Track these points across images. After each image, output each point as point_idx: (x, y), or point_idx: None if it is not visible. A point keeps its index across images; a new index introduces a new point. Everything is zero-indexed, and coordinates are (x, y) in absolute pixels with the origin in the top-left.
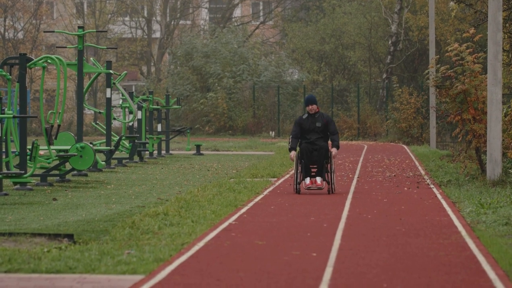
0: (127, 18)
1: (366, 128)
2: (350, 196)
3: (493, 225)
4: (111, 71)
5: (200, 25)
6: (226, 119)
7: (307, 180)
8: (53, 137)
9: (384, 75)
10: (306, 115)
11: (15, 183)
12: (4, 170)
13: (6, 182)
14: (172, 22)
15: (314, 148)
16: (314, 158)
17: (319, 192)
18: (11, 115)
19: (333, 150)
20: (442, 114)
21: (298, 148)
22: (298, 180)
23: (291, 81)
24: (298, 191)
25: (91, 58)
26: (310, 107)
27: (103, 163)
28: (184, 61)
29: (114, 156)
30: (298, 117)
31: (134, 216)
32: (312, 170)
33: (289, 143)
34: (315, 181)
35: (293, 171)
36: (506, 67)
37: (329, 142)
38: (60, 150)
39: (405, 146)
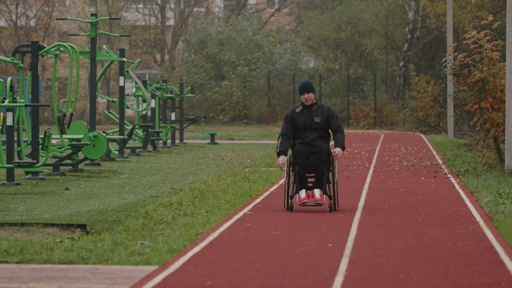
0: (140, 5)
1: (382, 117)
2: (366, 185)
3: None
4: (124, 59)
5: (214, 13)
6: (240, 107)
7: (302, 193)
8: (66, 126)
9: (401, 63)
10: (300, 107)
11: (27, 173)
12: (16, 160)
13: (18, 171)
14: (186, 9)
15: (311, 150)
16: (311, 164)
17: (318, 209)
18: (23, 104)
19: (336, 150)
20: (460, 103)
21: (290, 152)
22: (290, 193)
23: (306, 69)
24: (289, 208)
25: (104, 46)
26: (305, 96)
27: (116, 152)
28: (198, 49)
29: (127, 145)
30: (289, 110)
31: (148, 206)
32: (309, 180)
33: (278, 145)
34: (313, 195)
35: (283, 180)
36: None
37: (331, 143)
38: (72, 139)
39: (422, 135)
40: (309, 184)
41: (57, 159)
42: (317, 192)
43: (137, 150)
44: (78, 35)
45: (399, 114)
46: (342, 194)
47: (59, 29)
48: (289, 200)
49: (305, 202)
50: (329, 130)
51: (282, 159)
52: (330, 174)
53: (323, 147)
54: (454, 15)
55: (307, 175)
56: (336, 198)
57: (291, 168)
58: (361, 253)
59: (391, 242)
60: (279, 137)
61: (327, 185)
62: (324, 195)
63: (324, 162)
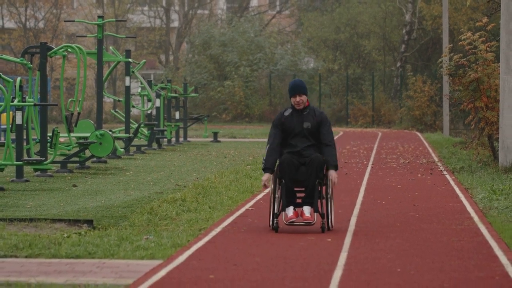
0: (146, 8)
1: (380, 116)
2: (364, 182)
3: (505, 211)
4: (130, 59)
5: (217, 15)
6: (243, 107)
7: (290, 210)
8: (73, 125)
9: (398, 64)
10: (289, 110)
11: (35, 170)
12: (25, 157)
13: (27, 169)
14: (190, 12)
15: (301, 161)
16: (301, 176)
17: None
18: (32, 103)
19: (332, 175)
20: (455, 102)
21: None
22: (276, 210)
23: (307, 70)
24: (275, 228)
25: (111, 47)
26: (297, 98)
27: (122, 150)
28: (201, 50)
29: (133, 143)
30: (278, 113)
31: (153, 202)
32: (298, 195)
33: (264, 158)
34: (302, 213)
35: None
36: None
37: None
38: (80, 138)
39: (418, 133)
40: (298, 200)
41: (65, 157)
42: (306, 209)
43: (142, 148)
44: (86, 36)
45: (396, 113)
46: (341, 191)
47: (67, 31)
48: (275, 219)
49: (292, 221)
50: (320, 140)
51: (267, 178)
52: (323, 188)
53: (314, 157)
54: (449, 17)
55: (295, 189)
56: (330, 217)
57: (277, 181)
58: (359, 248)
59: (388, 237)
60: (266, 147)
61: (319, 201)
62: (316, 213)
63: (315, 175)
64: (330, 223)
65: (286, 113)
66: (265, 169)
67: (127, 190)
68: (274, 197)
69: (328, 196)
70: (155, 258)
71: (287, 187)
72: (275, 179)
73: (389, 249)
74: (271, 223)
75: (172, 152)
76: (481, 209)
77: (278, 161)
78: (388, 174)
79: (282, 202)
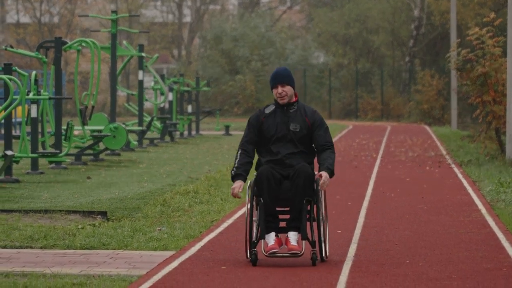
0: (158, 3)
1: (389, 110)
2: (374, 175)
3: None
4: (143, 54)
5: (229, 10)
6: (254, 100)
7: (271, 238)
8: (87, 118)
9: (407, 58)
10: (272, 107)
11: (50, 162)
12: (40, 150)
13: (42, 161)
14: (202, 7)
15: (284, 173)
16: (284, 194)
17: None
18: (47, 97)
19: (322, 175)
20: (463, 96)
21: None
22: (254, 238)
23: (317, 64)
24: (253, 260)
25: (124, 42)
26: (279, 89)
27: (135, 143)
28: (213, 44)
29: (146, 136)
30: (256, 111)
31: (165, 194)
32: (281, 217)
33: (235, 163)
34: (287, 241)
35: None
36: None
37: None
38: (94, 130)
39: (427, 127)
40: (282, 224)
41: (79, 149)
42: (292, 236)
43: (155, 141)
44: (99, 31)
45: (405, 107)
46: (350, 183)
47: (81, 26)
48: (252, 249)
49: (274, 252)
50: (315, 144)
51: (238, 185)
52: (315, 208)
53: (301, 169)
54: (457, 13)
55: (278, 209)
56: (324, 244)
57: (254, 199)
58: (368, 239)
59: (397, 229)
60: (237, 151)
61: (308, 224)
62: (304, 241)
63: (303, 191)
64: (324, 252)
65: (267, 111)
66: (235, 176)
67: (141, 182)
68: (251, 221)
69: (321, 217)
70: (168, 249)
71: (267, 208)
72: (252, 197)
73: (398, 240)
74: (247, 252)
75: (184, 145)
76: (488, 201)
77: (255, 174)
78: (397, 167)
79: (261, 227)
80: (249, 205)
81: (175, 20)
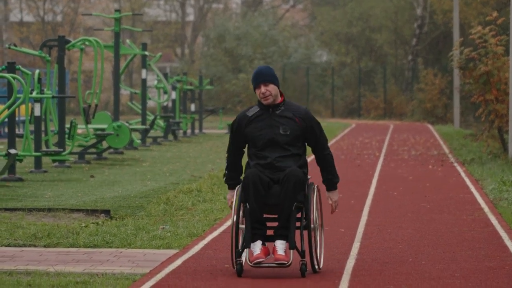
0: (162, 2)
1: (392, 108)
2: (376, 173)
3: None
4: (146, 52)
5: (232, 9)
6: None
7: (257, 247)
8: (91, 117)
9: (410, 57)
10: (255, 109)
11: (54, 161)
12: (44, 148)
13: (46, 159)
14: (205, 6)
15: (274, 177)
16: (272, 199)
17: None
18: (50, 95)
19: (332, 199)
20: (465, 95)
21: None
22: (239, 247)
23: (319, 63)
24: (238, 270)
25: (127, 40)
26: (262, 89)
27: (139, 141)
28: (216, 43)
29: (149, 135)
30: (239, 113)
31: (169, 193)
32: (269, 224)
33: (225, 171)
34: (274, 250)
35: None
36: None
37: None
38: (97, 129)
39: (429, 126)
40: (269, 232)
41: (82, 148)
42: (280, 245)
43: (158, 140)
44: (103, 30)
45: (407, 106)
46: (353, 182)
47: (84, 24)
48: (237, 258)
49: (259, 262)
50: (307, 146)
51: (231, 195)
52: (309, 214)
53: (291, 172)
54: (460, 11)
55: (265, 216)
56: (316, 255)
57: (240, 205)
58: (371, 238)
59: (400, 227)
60: (226, 158)
61: (298, 233)
62: (292, 250)
63: (292, 197)
64: (316, 262)
65: (251, 114)
66: (229, 185)
67: (144, 181)
68: (237, 228)
69: (315, 225)
70: (171, 247)
71: (254, 214)
72: (238, 203)
73: (401, 239)
74: (233, 263)
75: (187, 144)
76: (491, 200)
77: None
78: (399, 166)
79: (246, 235)
80: (235, 212)
81: (178, 19)
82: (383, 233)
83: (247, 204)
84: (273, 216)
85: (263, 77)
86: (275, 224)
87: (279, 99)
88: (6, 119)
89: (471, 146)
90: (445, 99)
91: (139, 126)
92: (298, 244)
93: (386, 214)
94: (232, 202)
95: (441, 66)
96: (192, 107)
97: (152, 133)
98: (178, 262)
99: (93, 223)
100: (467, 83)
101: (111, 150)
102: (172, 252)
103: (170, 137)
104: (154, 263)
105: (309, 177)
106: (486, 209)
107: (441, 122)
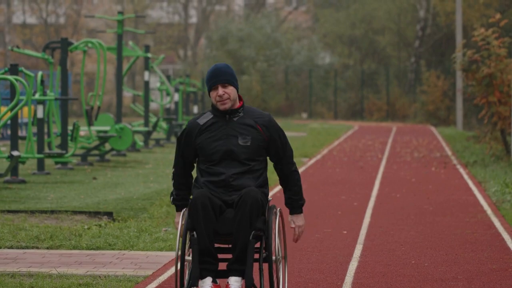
0: (164, 4)
1: (395, 110)
2: (379, 175)
3: None
4: (149, 54)
5: (235, 11)
6: (259, 101)
7: (206, 285)
8: (93, 118)
9: (413, 59)
10: (208, 115)
11: (56, 163)
12: (46, 150)
13: (48, 161)
14: (208, 8)
15: (227, 198)
16: (225, 226)
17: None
18: (53, 97)
19: (296, 224)
20: (468, 97)
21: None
22: (186, 283)
23: (322, 65)
24: None
25: (130, 42)
26: (219, 91)
27: (141, 143)
28: (219, 45)
29: (152, 137)
30: (189, 122)
31: None
32: (221, 256)
33: (173, 190)
34: (227, 287)
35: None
36: None
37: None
38: (100, 131)
39: (432, 128)
40: (222, 266)
41: (85, 150)
42: (234, 283)
43: (161, 142)
44: (106, 32)
45: (410, 108)
46: (356, 184)
47: (87, 26)
48: None
49: None
50: (269, 159)
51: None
52: (271, 243)
53: (247, 194)
54: (463, 13)
55: (217, 246)
56: None
57: (186, 232)
58: (374, 240)
59: (403, 230)
60: (172, 173)
61: (256, 266)
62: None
63: (249, 223)
64: None
65: (203, 121)
66: (177, 206)
67: (146, 183)
68: (183, 261)
69: (277, 257)
70: (173, 249)
71: (202, 245)
72: (185, 230)
73: (403, 241)
74: None
75: None
76: (494, 202)
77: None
78: (402, 168)
79: (193, 271)
80: (181, 240)
81: (181, 21)
82: (386, 235)
83: (195, 232)
84: (226, 246)
85: (221, 76)
86: (229, 256)
87: (238, 104)
88: (9, 121)
89: (474, 148)
90: (448, 101)
91: (142, 128)
92: (257, 281)
93: (388, 216)
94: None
95: (444, 68)
96: (195, 109)
97: (154, 135)
98: None
99: (95, 225)
100: (470, 85)
101: (114, 152)
102: (174, 254)
103: (173, 139)
104: (157, 265)
105: (269, 198)
106: (488, 211)
107: (444, 124)
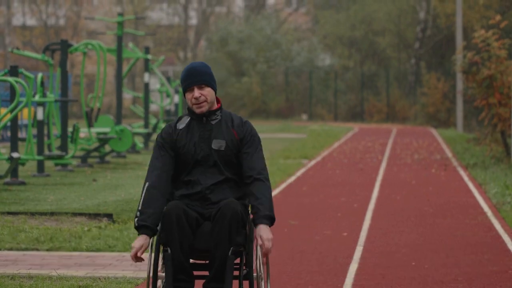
0: (164, 5)
1: (395, 112)
2: (379, 177)
3: None
4: (149, 56)
5: (235, 12)
6: (260, 103)
7: None
8: (93, 120)
9: (413, 61)
10: (186, 119)
11: (56, 165)
12: (46, 152)
13: (48, 163)
14: (208, 9)
15: (204, 211)
16: (202, 242)
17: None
18: (53, 99)
19: (261, 234)
20: (468, 99)
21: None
22: None
23: (322, 66)
24: None
25: (130, 44)
26: (195, 93)
27: (141, 145)
28: (219, 46)
29: (151, 139)
30: (166, 126)
31: None
32: (197, 273)
33: (138, 207)
34: None
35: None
36: None
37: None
38: (100, 133)
39: (432, 130)
40: (198, 285)
41: (85, 152)
42: None
43: None
44: (106, 33)
45: (410, 110)
46: (356, 186)
47: (87, 28)
48: None
49: None
50: (245, 171)
51: (140, 245)
52: (252, 259)
53: (226, 206)
54: (463, 15)
55: (193, 262)
56: None
57: (160, 248)
58: (374, 242)
59: (403, 232)
60: (143, 187)
61: (236, 284)
62: None
63: (228, 237)
64: None
65: (181, 125)
66: (139, 228)
67: None
68: (155, 278)
69: (258, 274)
70: None
71: (177, 262)
72: (157, 245)
73: (403, 243)
74: None
75: None
76: (494, 204)
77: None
78: (402, 170)
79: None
80: (153, 255)
81: (181, 23)
82: (386, 237)
83: (168, 248)
84: (203, 262)
85: (197, 77)
86: (206, 273)
87: (215, 106)
88: (9, 123)
89: (474, 150)
90: (448, 103)
91: (142, 130)
92: None
93: (389, 218)
94: (138, 254)
95: (444, 70)
96: None
97: (154, 136)
98: None
99: (95, 227)
100: (470, 87)
101: (114, 154)
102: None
103: None
104: None
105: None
106: (489, 213)
107: (444, 126)
